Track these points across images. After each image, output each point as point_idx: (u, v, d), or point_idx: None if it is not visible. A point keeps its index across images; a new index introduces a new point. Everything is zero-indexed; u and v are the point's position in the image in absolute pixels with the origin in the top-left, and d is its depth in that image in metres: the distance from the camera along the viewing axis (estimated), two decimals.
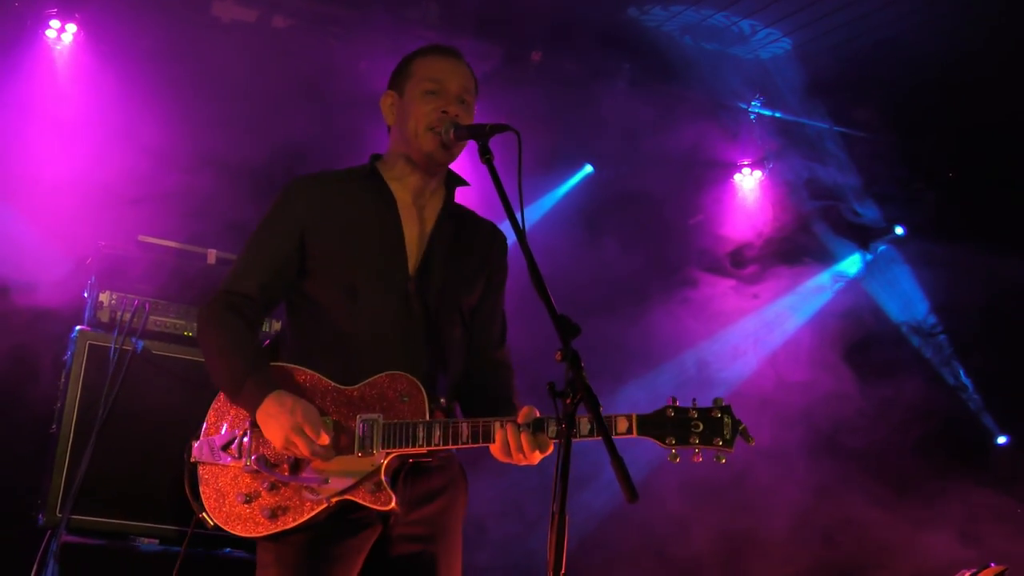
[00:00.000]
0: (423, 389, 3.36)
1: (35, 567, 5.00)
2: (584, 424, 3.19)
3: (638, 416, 3.25)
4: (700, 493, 7.46)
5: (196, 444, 3.42)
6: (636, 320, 7.85)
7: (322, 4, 7.09)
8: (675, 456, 3.22)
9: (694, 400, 3.30)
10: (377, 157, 3.69)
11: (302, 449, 3.25)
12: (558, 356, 2.82)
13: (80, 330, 5.36)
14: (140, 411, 5.21)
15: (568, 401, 2.77)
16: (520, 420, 3.27)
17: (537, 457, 3.28)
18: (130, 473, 5.16)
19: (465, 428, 3.30)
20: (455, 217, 3.66)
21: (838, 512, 7.81)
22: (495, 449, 3.30)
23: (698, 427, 3.23)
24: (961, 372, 8.89)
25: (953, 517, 7.47)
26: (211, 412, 3.46)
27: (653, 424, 3.25)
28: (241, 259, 3.56)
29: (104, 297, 5.43)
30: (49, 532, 5.02)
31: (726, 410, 3.26)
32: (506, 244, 3.78)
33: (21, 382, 5.94)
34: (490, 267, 3.72)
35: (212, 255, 5.74)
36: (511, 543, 7.11)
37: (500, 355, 3.75)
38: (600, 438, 2.79)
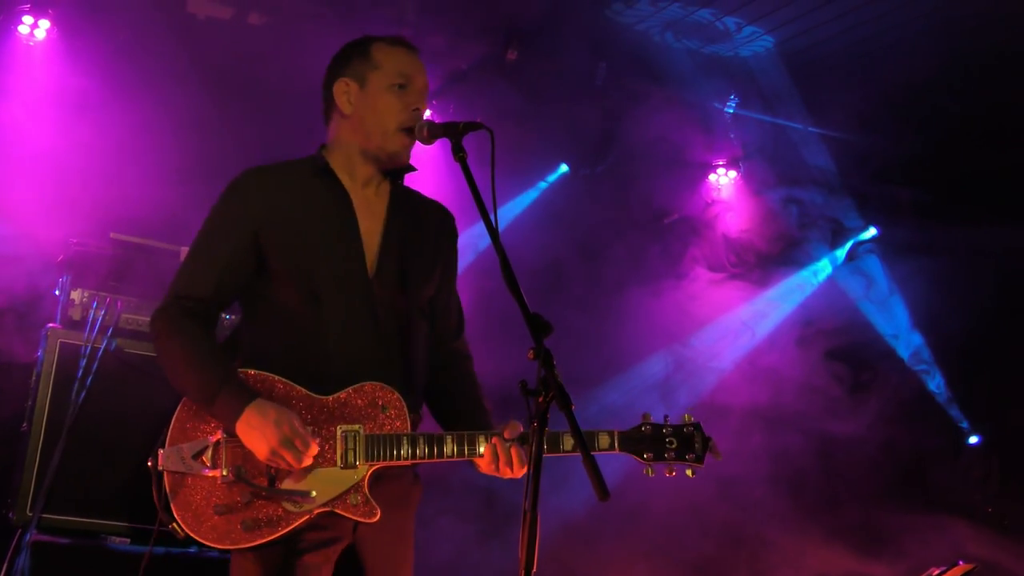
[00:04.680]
0: (404, 401, 3.34)
1: (5, 566, 4.96)
2: (567, 440, 3.30)
3: (619, 433, 3.43)
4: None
5: (163, 452, 3.25)
6: (609, 319, 7.85)
7: (297, 2, 7.06)
8: (651, 471, 3.42)
9: (666, 416, 3.48)
10: (325, 147, 3.56)
11: (291, 463, 3.18)
12: (530, 354, 2.81)
13: (51, 328, 5.31)
14: (111, 410, 5.17)
15: (540, 399, 2.76)
16: (507, 435, 3.32)
17: (523, 471, 3.32)
18: (101, 472, 5.11)
19: (450, 441, 3.32)
20: (404, 206, 3.56)
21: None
22: (483, 462, 3.34)
23: (672, 443, 3.44)
24: (937, 374, 8.93)
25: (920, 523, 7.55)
26: (176, 419, 3.29)
27: (632, 440, 3.43)
28: (193, 260, 3.44)
29: (76, 295, 5.38)
30: (19, 530, 4.97)
31: (696, 427, 3.47)
32: (456, 228, 3.72)
33: None
34: (444, 255, 3.66)
35: (184, 252, 5.70)
36: None
37: (459, 345, 3.74)
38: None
